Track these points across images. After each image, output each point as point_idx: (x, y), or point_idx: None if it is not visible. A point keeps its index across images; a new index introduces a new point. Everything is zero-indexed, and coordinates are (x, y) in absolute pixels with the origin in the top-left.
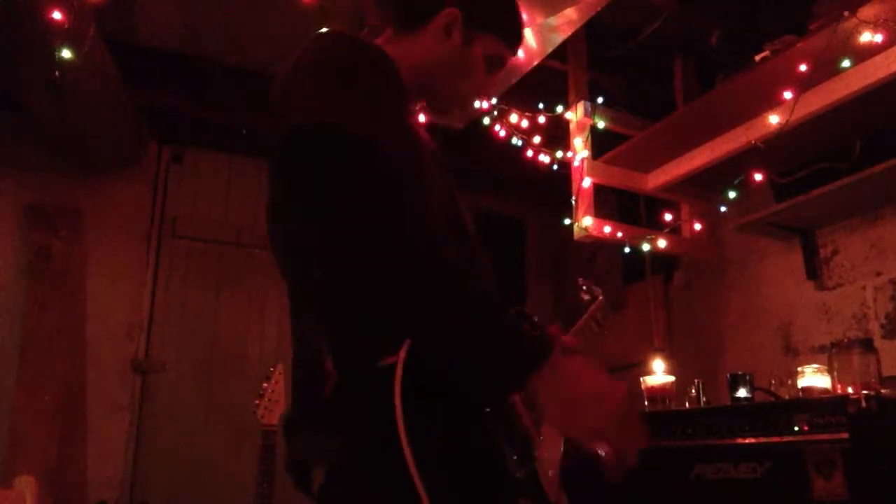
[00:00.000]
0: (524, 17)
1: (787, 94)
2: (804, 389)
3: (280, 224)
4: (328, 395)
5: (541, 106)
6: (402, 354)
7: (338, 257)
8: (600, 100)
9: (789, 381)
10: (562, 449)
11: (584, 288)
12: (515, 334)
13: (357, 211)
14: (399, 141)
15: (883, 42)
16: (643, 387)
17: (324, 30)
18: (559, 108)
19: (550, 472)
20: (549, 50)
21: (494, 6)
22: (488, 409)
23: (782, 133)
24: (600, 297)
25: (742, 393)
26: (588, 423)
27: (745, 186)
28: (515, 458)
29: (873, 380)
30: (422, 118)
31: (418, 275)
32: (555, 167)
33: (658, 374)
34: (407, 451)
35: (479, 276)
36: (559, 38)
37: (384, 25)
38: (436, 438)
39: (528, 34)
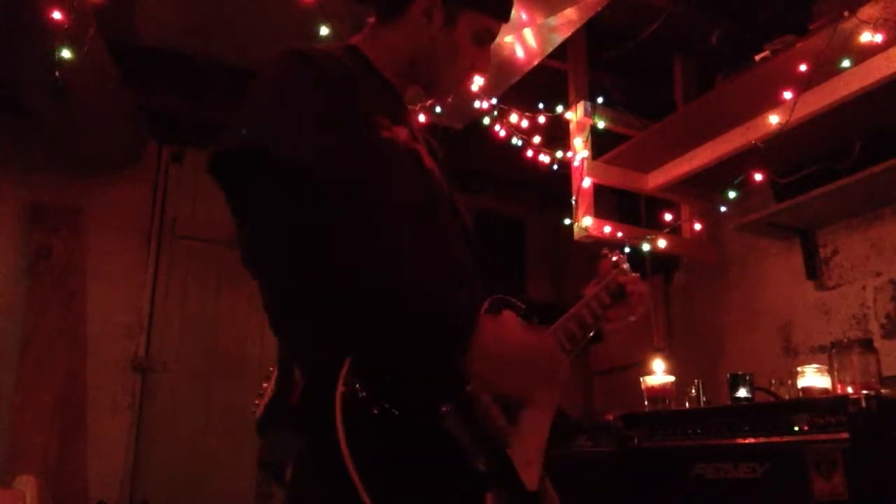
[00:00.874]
0: (524, 16)
1: (787, 94)
2: (804, 389)
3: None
4: (295, 401)
5: (541, 106)
6: (343, 371)
7: (277, 277)
8: (600, 100)
9: (789, 381)
10: (544, 440)
11: (614, 259)
12: (441, 319)
13: (286, 230)
14: (339, 156)
15: (883, 42)
16: (643, 387)
17: (324, 32)
18: (559, 108)
19: (531, 464)
20: (549, 50)
21: None
22: (445, 408)
23: (782, 133)
24: (622, 262)
25: (742, 393)
26: (527, 379)
27: (745, 186)
28: (479, 452)
29: (873, 380)
30: (422, 118)
31: (347, 288)
32: (555, 167)
33: (658, 374)
34: (347, 456)
35: (432, 276)
36: (559, 38)
37: (368, 21)
38: (380, 443)
39: (528, 34)
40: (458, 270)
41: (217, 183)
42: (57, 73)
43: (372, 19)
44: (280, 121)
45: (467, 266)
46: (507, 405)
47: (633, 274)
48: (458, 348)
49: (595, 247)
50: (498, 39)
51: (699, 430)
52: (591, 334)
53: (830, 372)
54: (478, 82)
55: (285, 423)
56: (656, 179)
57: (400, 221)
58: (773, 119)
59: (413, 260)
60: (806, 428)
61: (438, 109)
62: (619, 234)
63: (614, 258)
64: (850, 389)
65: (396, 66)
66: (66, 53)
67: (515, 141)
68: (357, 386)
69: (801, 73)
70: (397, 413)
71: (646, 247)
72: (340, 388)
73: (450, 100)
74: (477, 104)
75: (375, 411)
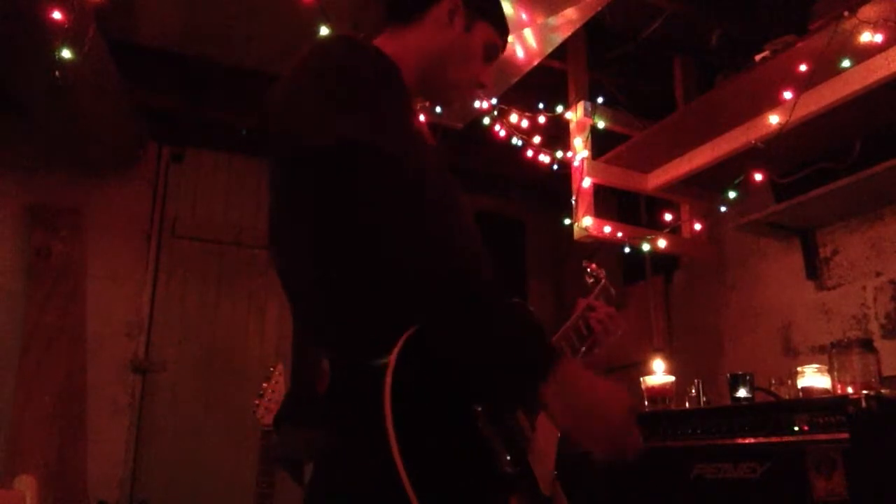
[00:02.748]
0: (524, 16)
1: (787, 94)
2: (804, 389)
3: (292, 233)
4: (323, 393)
5: (541, 106)
6: (395, 353)
7: (359, 264)
8: (600, 100)
9: (789, 381)
10: (556, 444)
11: (588, 271)
12: (524, 341)
13: (380, 224)
14: (408, 151)
15: (883, 42)
16: (643, 387)
17: (324, 33)
18: (559, 108)
19: (545, 468)
20: (549, 50)
21: None
22: (479, 408)
23: (782, 133)
24: (603, 280)
25: (742, 393)
26: (603, 434)
27: (745, 186)
28: (507, 455)
29: (873, 380)
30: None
31: (428, 281)
32: (555, 167)
33: (658, 374)
34: (395, 449)
35: (483, 279)
36: (559, 38)
37: (382, 24)
38: (424, 436)
39: (528, 34)
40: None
41: (310, 178)
42: (57, 73)
43: (387, 24)
44: (366, 115)
45: (486, 267)
46: (528, 410)
47: (606, 309)
48: (540, 376)
49: (594, 246)
50: None
51: (699, 430)
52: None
53: (830, 372)
54: None
55: (308, 418)
56: (656, 179)
57: (455, 220)
58: (773, 119)
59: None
60: (806, 428)
61: (438, 109)
62: (619, 234)
63: (591, 273)
64: (850, 389)
65: (413, 69)
66: (66, 53)
67: (515, 141)
68: (410, 374)
69: (801, 73)
70: (442, 411)
71: (646, 247)
72: (390, 375)
73: None
74: (477, 104)
75: (425, 405)
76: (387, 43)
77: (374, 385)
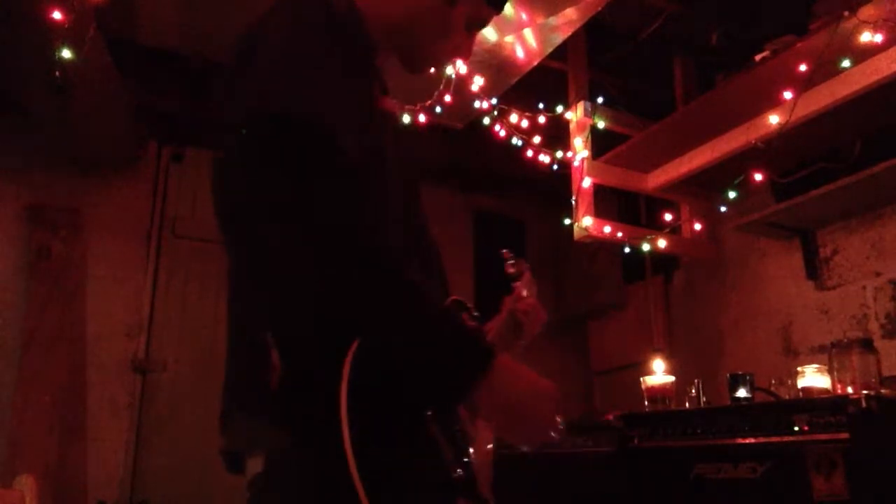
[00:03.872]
0: (524, 16)
1: (787, 94)
2: (804, 389)
3: (236, 210)
4: (275, 387)
5: (541, 106)
6: (350, 356)
7: (297, 255)
8: (600, 100)
9: (789, 381)
10: (492, 447)
11: (510, 262)
12: (460, 342)
13: (317, 210)
14: (362, 131)
15: (883, 42)
16: (643, 387)
17: None
18: (559, 108)
19: (485, 470)
20: (549, 50)
21: None
22: (430, 412)
23: (782, 133)
24: (526, 273)
25: (742, 393)
26: (531, 431)
27: (745, 186)
28: (454, 458)
29: (873, 380)
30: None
31: (373, 278)
32: (555, 167)
33: (658, 374)
34: (349, 453)
35: (427, 279)
36: (559, 38)
37: None
38: (378, 442)
39: (529, 34)
40: (432, 264)
41: (247, 148)
42: (57, 73)
43: None
44: (318, 88)
45: (434, 258)
46: (471, 414)
47: (530, 301)
48: (474, 376)
49: (595, 246)
50: (498, 39)
51: (699, 430)
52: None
53: (830, 372)
54: (478, 82)
55: (259, 412)
56: (656, 179)
57: (394, 209)
58: (773, 119)
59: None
60: (806, 428)
61: (438, 109)
62: (619, 234)
63: (513, 264)
64: (850, 389)
65: (384, 28)
66: (66, 53)
67: (515, 141)
68: (359, 379)
69: (801, 73)
70: (395, 413)
71: (646, 247)
72: (345, 383)
73: (449, 99)
74: (477, 104)
75: (376, 410)
76: None
77: (329, 390)
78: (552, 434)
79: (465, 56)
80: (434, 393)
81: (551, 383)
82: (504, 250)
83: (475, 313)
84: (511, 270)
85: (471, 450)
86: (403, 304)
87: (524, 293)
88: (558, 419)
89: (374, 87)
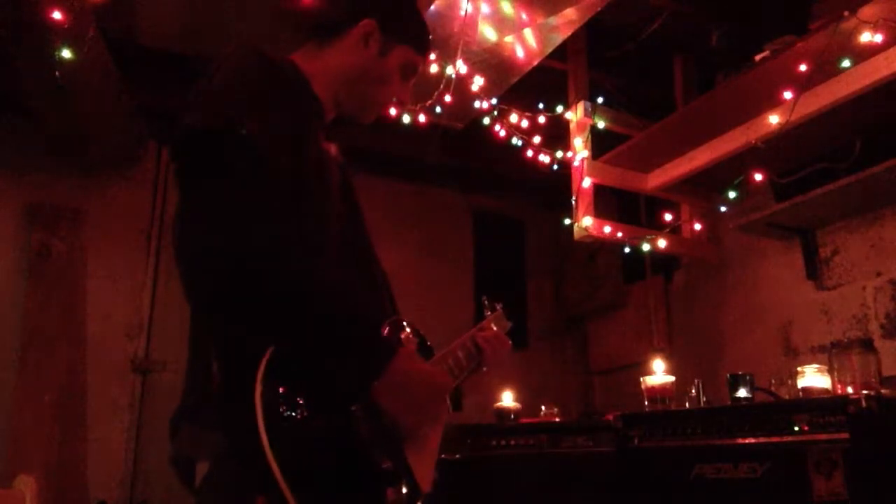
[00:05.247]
0: (524, 16)
1: (787, 94)
2: (804, 389)
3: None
4: (212, 395)
5: (541, 106)
6: (264, 360)
7: (215, 264)
8: (600, 100)
9: (789, 381)
10: (437, 447)
11: (486, 303)
12: (360, 349)
13: (237, 218)
14: (291, 152)
15: (883, 42)
16: (643, 387)
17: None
18: (559, 108)
19: (426, 465)
20: (549, 50)
21: (406, 17)
22: (355, 408)
23: (782, 133)
24: (498, 309)
25: (742, 393)
26: (428, 419)
27: (745, 186)
28: (383, 451)
29: (873, 380)
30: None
31: (285, 286)
32: (555, 167)
33: (658, 374)
34: (268, 452)
35: (349, 291)
36: (559, 38)
37: (301, 40)
38: (297, 437)
39: (529, 34)
40: (370, 286)
41: (179, 161)
42: (57, 73)
43: (306, 42)
44: (251, 109)
45: (379, 282)
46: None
47: (495, 331)
48: (372, 374)
49: (595, 246)
50: (498, 39)
51: (699, 430)
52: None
53: (830, 372)
54: (478, 82)
55: (203, 419)
56: (656, 179)
57: (329, 229)
58: (773, 119)
59: (343, 271)
60: (806, 428)
61: (438, 109)
62: (619, 234)
63: (488, 305)
64: (850, 389)
65: (327, 87)
66: (66, 53)
67: (515, 141)
68: (276, 384)
69: (801, 73)
70: (312, 411)
71: (646, 247)
72: (259, 387)
73: (449, 99)
74: (477, 104)
75: (294, 410)
76: (303, 59)
77: (248, 394)
78: (441, 418)
79: (406, 100)
80: (338, 394)
81: (446, 379)
82: (484, 297)
83: (419, 335)
84: (487, 312)
85: (411, 445)
86: (312, 315)
87: (493, 326)
88: (448, 407)
89: (314, 127)
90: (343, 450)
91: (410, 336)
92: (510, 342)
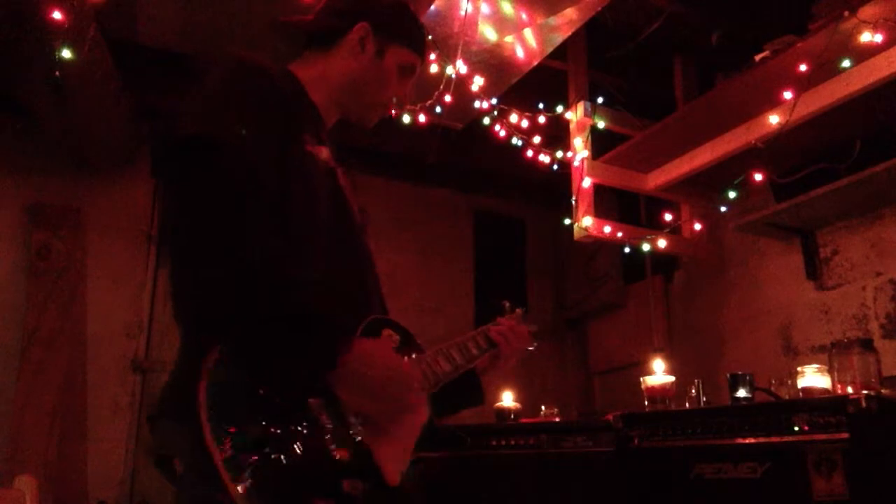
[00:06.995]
0: (524, 16)
1: (787, 94)
2: (804, 389)
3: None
4: (168, 389)
5: (541, 106)
6: (212, 356)
7: (183, 263)
8: (600, 100)
9: (789, 381)
10: (412, 442)
11: (506, 307)
12: (314, 339)
13: (200, 219)
14: (266, 157)
15: (883, 42)
16: (643, 387)
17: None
18: (559, 108)
19: (395, 461)
20: (549, 50)
21: (400, 18)
22: (314, 401)
23: (782, 133)
24: (518, 311)
25: (742, 393)
26: (388, 407)
27: (745, 186)
28: (340, 443)
29: (873, 380)
30: (422, 118)
31: (244, 282)
32: (555, 167)
33: (658, 374)
34: (212, 448)
35: (314, 290)
36: (559, 38)
37: (299, 50)
38: (242, 432)
39: (529, 34)
40: (355, 286)
41: (162, 169)
42: (57, 73)
43: (304, 51)
44: (230, 117)
45: (368, 283)
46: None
47: (509, 324)
48: (324, 366)
49: (595, 246)
50: (498, 39)
51: (699, 430)
52: (462, 371)
53: (830, 372)
54: (478, 82)
55: (171, 413)
56: (656, 179)
57: (310, 229)
58: (773, 119)
59: (316, 269)
60: (806, 428)
61: (438, 109)
62: (619, 234)
63: (507, 308)
64: (850, 389)
65: (327, 93)
66: (66, 53)
67: (515, 141)
68: (224, 376)
69: (801, 73)
70: (260, 404)
71: (646, 247)
72: (203, 379)
73: (449, 99)
74: (477, 104)
75: (240, 404)
76: (302, 67)
77: (192, 390)
78: (405, 406)
79: (406, 100)
80: (292, 386)
81: (405, 368)
82: (505, 301)
83: (405, 332)
84: (506, 313)
85: (378, 437)
86: (266, 308)
87: (505, 319)
88: (410, 396)
89: (301, 133)
90: (290, 441)
91: (392, 333)
92: (528, 331)
